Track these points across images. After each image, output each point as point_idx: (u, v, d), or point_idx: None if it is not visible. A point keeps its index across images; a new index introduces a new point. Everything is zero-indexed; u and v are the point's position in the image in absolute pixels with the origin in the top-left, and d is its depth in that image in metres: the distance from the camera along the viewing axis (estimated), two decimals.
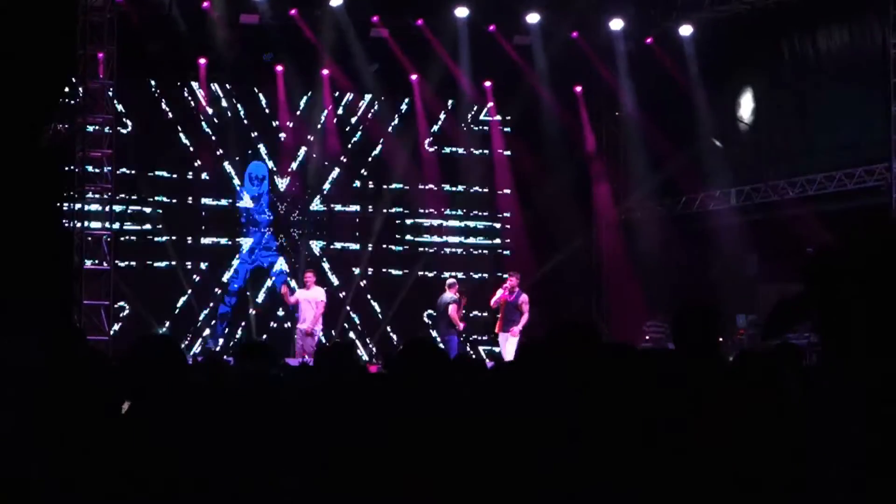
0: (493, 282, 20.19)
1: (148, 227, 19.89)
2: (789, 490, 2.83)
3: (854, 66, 18.71)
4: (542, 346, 4.21)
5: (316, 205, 21.24)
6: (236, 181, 20.67)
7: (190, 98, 20.38)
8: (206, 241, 20.35)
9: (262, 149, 20.88)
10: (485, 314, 20.26)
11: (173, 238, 19.95)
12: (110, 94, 17.65)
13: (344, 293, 21.00)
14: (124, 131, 19.39)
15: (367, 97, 21.52)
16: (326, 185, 21.35)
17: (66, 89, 18.36)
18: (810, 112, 19.65)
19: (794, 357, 6.69)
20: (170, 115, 20.17)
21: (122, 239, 19.11)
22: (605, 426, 3.72)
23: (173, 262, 19.83)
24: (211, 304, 20.18)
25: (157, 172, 20.03)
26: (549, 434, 3.76)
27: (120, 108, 18.90)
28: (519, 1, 20.30)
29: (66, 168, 17.84)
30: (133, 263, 19.56)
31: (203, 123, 20.42)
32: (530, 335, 15.57)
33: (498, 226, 22.68)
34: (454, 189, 22.34)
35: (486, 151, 22.57)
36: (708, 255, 20.77)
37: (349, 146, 21.54)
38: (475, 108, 22.45)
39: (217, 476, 4.02)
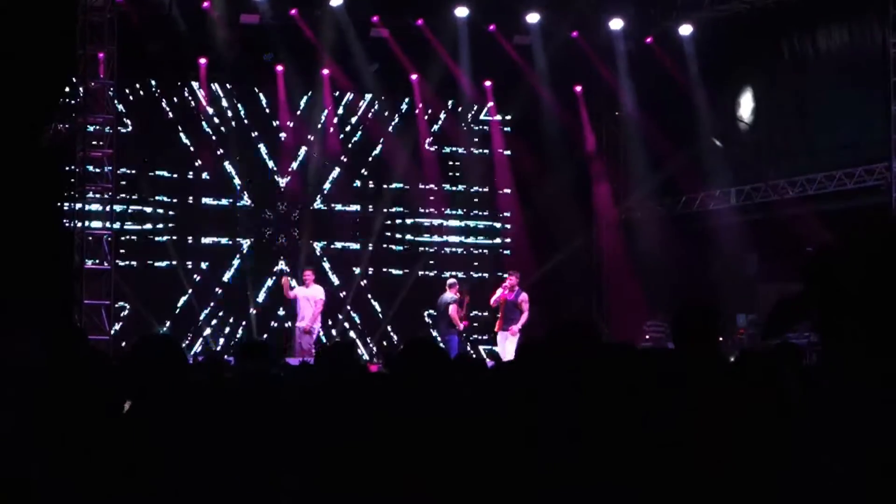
0: (494, 281, 20.20)
1: (148, 226, 19.91)
2: (789, 490, 2.83)
3: (854, 66, 18.72)
4: (542, 345, 4.21)
5: (316, 204, 21.25)
6: (236, 181, 20.68)
7: (190, 98, 20.40)
8: (206, 240, 20.36)
9: (263, 149, 20.89)
10: (485, 314, 20.27)
11: (174, 238, 19.97)
12: (110, 94, 17.66)
13: (344, 293, 21.01)
14: (125, 131, 19.41)
15: (368, 97, 21.53)
16: (327, 185, 21.36)
17: (67, 89, 18.38)
18: (810, 112, 19.66)
19: (794, 357, 6.69)
20: (170, 114, 20.19)
21: (122, 239, 19.13)
22: (605, 426, 3.73)
23: (174, 262, 19.84)
24: (211, 304, 20.19)
25: (157, 172, 20.05)
26: (549, 434, 3.76)
27: (120, 107, 18.92)
28: (519, 1, 20.31)
29: (67, 168, 17.86)
30: (133, 263, 19.58)
31: (203, 123, 20.43)
32: (530, 334, 15.57)
33: (498, 225, 22.69)
34: (454, 189, 22.36)
35: (486, 151, 22.58)
36: (708, 255, 20.77)
37: (349, 146, 21.55)
38: (475, 108, 22.46)
39: (218, 475, 4.02)
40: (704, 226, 20.97)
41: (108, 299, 17.35)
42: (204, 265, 20.23)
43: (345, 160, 21.44)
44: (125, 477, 3.88)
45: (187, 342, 19.53)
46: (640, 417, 3.78)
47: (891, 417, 2.56)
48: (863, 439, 2.58)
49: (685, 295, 19.25)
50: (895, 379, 2.60)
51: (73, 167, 17.64)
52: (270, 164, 20.94)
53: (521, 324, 16.84)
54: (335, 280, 21.00)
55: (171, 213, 20.08)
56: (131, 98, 19.66)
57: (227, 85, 20.64)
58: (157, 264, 19.82)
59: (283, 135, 20.98)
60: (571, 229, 22.13)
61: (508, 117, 22.49)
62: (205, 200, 20.45)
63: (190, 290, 19.93)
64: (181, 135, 20.25)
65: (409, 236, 21.98)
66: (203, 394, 4.73)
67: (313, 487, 4.21)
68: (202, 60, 19.94)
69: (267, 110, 20.91)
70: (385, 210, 21.61)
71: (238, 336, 20.18)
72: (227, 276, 20.39)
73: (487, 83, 22.05)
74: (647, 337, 19.87)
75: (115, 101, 18.05)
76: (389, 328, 21.20)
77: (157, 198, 19.98)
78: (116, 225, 18.41)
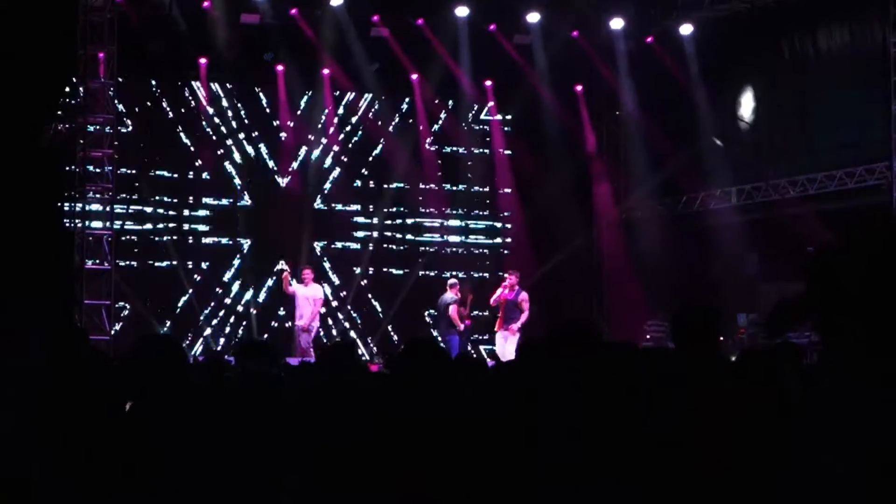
0: (494, 281, 20.17)
1: (149, 226, 19.90)
2: (790, 489, 2.83)
3: (854, 66, 18.72)
4: (543, 345, 4.21)
5: (316, 204, 21.24)
6: (237, 181, 20.68)
7: (190, 98, 20.39)
8: (206, 240, 20.35)
9: (263, 148, 20.88)
10: (485, 313, 20.26)
11: (174, 238, 19.97)
12: (111, 94, 17.65)
13: (345, 292, 21.00)
14: (125, 131, 19.41)
15: (368, 97, 21.52)
16: (327, 185, 21.36)
17: (67, 89, 18.38)
18: (810, 111, 19.66)
19: (794, 356, 6.67)
20: (170, 114, 20.19)
21: (122, 239, 19.12)
22: (605, 426, 3.73)
23: (174, 262, 19.84)
24: (212, 304, 20.20)
25: (157, 172, 20.04)
26: (550, 434, 3.76)
27: (120, 107, 18.91)
28: (519, 0, 20.31)
29: (67, 168, 17.84)
30: (134, 263, 19.58)
31: (203, 123, 20.43)
32: (530, 334, 15.57)
33: (498, 225, 22.68)
34: (455, 188, 22.35)
35: (486, 151, 22.58)
36: (708, 255, 20.76)
37: (350, 145, 21.55)
38: (475, 108, 22.45)
39: (218, 475, 4.02)
40: (705, 225, 20.96)
41: (109, 299, 17.34)
42: (204, 265, 20.22)
43: (345, 160, 21.44)
44: (126, 477, 3.88)
45: (188, 342, 19.52)
46: (641, 417, 3.78)
47: (891, 417, 2.56)
48: (863, 439, 2.58)
49: (686, 294, 19.23)
50: (895, 379, 2.60)
51: (73, 167, 17.63)
52: (270, 164, 20.94)
53: (521, 323, 16.84)
54: (335, 280, 21.00)
55: (171, 213, 20.08)
56: (131, 98, 19.64)
57: (228, 85, 20.63)
58: (157, 264, 19.82)
59: (283, 135, 20.97)
60: (572, 229, 22.12)
61: (509, 117, 22.48)
62: (205, 200, 20.44)
63: (190, 290, 19.92)
64: (181, 135, 20.24)
65: (409, 236, 21.98)
66: (204, 394, 4.72)
67: (314, 487, 4.21)
68: (202, 60, 19.93)
69: (267, 110, 20.91)
70: (385, 210, 21.61)
71: (238, 336, 20.18)
72: (227, 276, 20.39)
73: (488, 83, 22.04)
74: (648, 337, 19.86)
75: (115, 101, 18.05)
76: (390, 328, 21.20)
77: (157, 198, 19.97)
78: (117, 225, 18.39)
